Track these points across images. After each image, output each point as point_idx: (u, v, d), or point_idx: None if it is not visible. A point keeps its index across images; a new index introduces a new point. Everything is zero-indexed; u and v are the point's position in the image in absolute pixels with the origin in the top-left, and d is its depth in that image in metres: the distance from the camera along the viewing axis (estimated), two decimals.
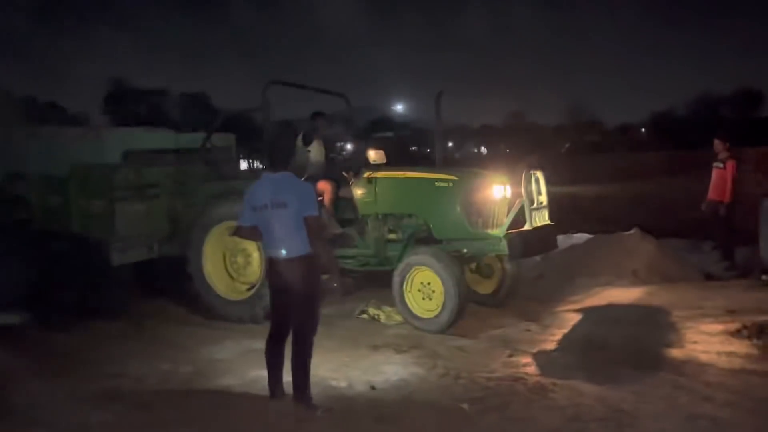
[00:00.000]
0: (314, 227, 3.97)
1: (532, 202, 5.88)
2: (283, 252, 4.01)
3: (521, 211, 5.82)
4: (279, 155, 4.09)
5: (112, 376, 4.96)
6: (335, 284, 4.26)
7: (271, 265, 4.09)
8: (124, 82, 45.94)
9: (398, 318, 6.20)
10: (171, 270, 7.12)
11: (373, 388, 4.50)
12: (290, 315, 4.13)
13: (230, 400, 4.26)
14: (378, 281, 6.85)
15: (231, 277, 6.72)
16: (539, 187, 6.06)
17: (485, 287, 6.77)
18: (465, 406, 4.11)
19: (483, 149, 57.44)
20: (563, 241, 8.90)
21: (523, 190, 5.78)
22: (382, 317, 6.35)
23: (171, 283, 7.22)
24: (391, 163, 6.67)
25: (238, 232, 4.21)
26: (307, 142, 6.61)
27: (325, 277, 4.29)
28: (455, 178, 6.01)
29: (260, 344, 4.22)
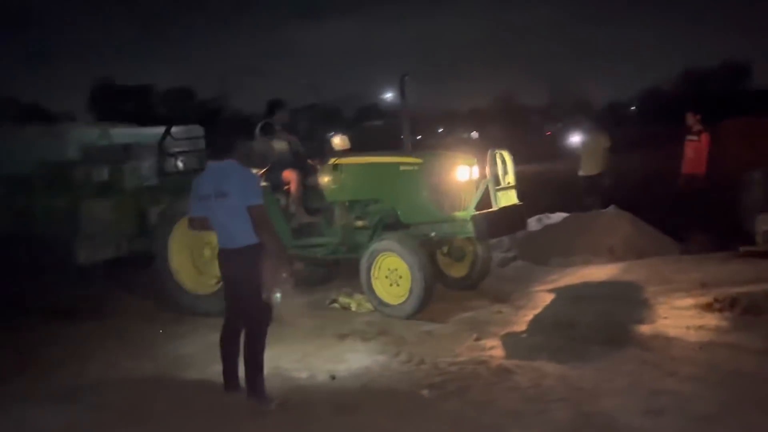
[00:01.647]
0: (259, 217, 3.86)
1: (497, 182, 5.78)
2: (229, 242, 3.92)
3: (487, 191, 5.72)
4: (222, 142, 3.98)
5: (73, 375, 4.86)
6: (285, 275, 4.16)
7: (221, 256, 4.01)
8: (108, 81, 45.57)
9: (369, 306, 6.10)
10: (140, 267, 7.03)
11: (333, 377, 4.41)
12: (242, 305, 4.04)
13: (186, 396, 4.14)
14: (350, 269, 6.76)
15: (198, 271, 6.61)
16: (506, 167, 5.95)
17: (457, 270, 6.68)
18: (425, 392, 4.03)
19: (474, 134, 57.29)
20: (540, 221, 8.86)
21: (487, 170, 5.68)
22: (353, 306, 6.26)
23: (141, 280, 7.13)
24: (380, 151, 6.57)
25: (190, 224, 4.12)
26: (266, 132, 6.47)
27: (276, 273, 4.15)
28: (420, 162, 5.90)
29: None
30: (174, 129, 7.03)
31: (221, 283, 6.34)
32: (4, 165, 7.19)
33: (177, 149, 7.04)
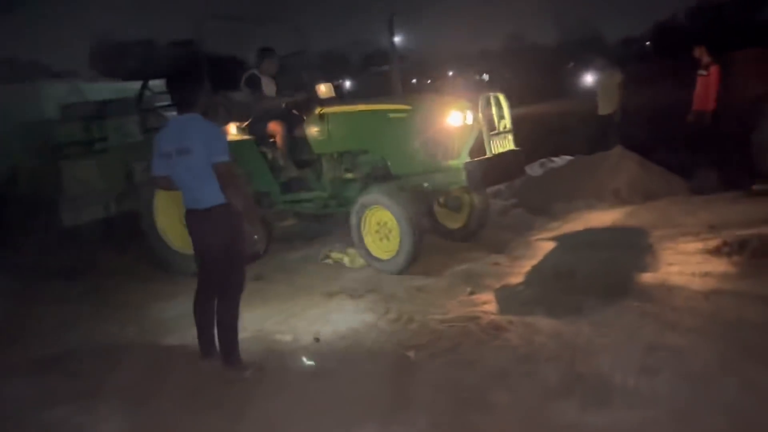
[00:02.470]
0: (225, 175, 3.61)
1: (492, 127, 5.44)
2: (194, 202, 3.69)
3: (481, 137, 5.40)
4: (184, 94, 3.68)
5: (54, 341, 4.73)
6: (256, 236, 3.92)
7: (188, 217, 3.77)
8: (109, 36, 44.81)
9: (362, 261, 5.89)
10: (130, 227, 6.83)
11: (317, 339, 4.23)
12: (215, 270, 3.83)
13: (163, 364, 4.00)
14: (345, 222, 6.53)
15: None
16: (501, 111, 5.60)
17: (454, 221, 6.42)
18: (411, 353, 3.84)
19: (485, 76, 56.00)
20: (543, 165, 8.53)
21: (480, 115, 5.33)
22: (346, 261, 6.05)
23: (132, 240, 6.94)
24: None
25: (154, 183, 3.87)
26: (251, 84, 6.13)
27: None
28: (409, 108, 5.55)
29: None
30: (154, 83, 6.73)
31: None
32: None
33: (159, 104, 6.74)
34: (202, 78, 3.77)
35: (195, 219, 3.71)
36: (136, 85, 6.67)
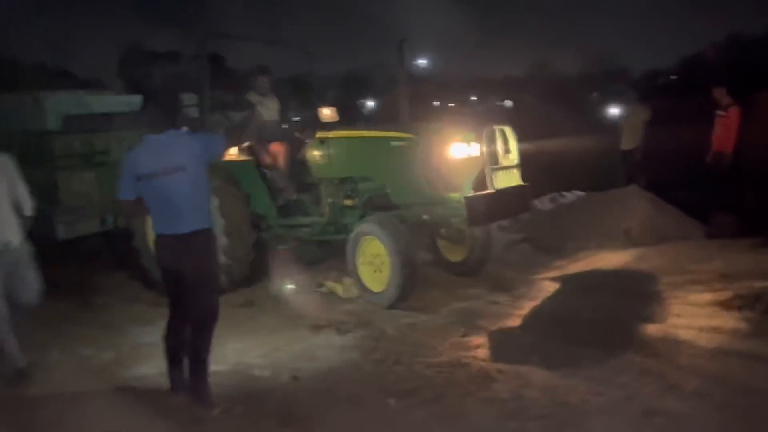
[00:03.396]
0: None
1: (495, 161, 5.23)
2: (184, 226, 3.48)
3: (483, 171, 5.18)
4: (160, 116, 3.51)
5: (27, 361, 4.54)
6: None
7: (166, 244, 3.55)
8: (137, 46, 45.49)
9: (356, 291, 5.67)
10: (125, 243, 6.68)
11: (296, 378, 4.00)
12: (190, 298, 3.64)
13: (128, 398, 3.79)
14: (344, 250, 6.33)
15: None
16: (507, 144, 5.38)
17: (456, 254, 6.19)
18: (391, 401, 3.58)
19: (508, 102, 55.91)
20: (553, 200, 8.27)
21: (484, 148, 5.12)
22: (340, 290, 5.82)
23: (126, 257, 6.79)
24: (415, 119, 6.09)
25: (122, 208, 3.68)
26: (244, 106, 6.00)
27: None
28: (412, 137, 5.36)
29: None
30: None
31: None
32: None
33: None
34: (176, 96, 3.60)
35: (173, 243, 3.51)
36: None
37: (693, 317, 4.57)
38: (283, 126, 6.34)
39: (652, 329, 4.40)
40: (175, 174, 3.41)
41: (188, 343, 3.58)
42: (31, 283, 4.17)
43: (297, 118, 8.10)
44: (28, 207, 4.22)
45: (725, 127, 7.24)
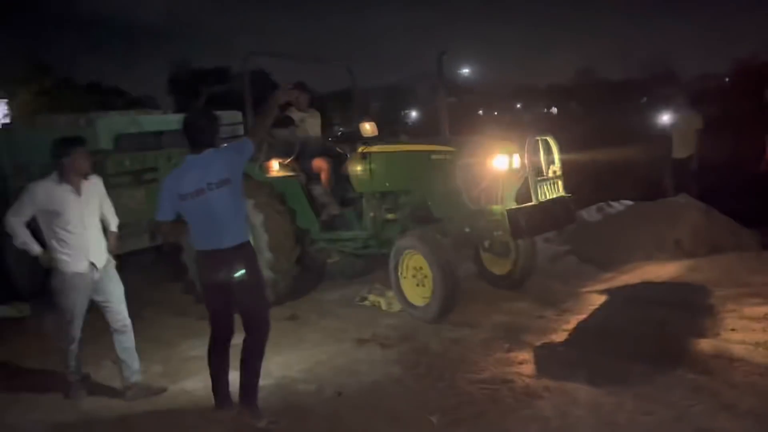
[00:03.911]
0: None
1: (539, 173, 5.16)
2: (227, 240, 3.53)
3: (527, 183, 5.12)
4: (200, 136, 3.56)
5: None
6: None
7: (210, 259, 3.58)
8: (186, 63, 46.75)
9: (399, 305, 5.66)
10: (174, 258, 6.84)
11: (339, 394, 4.01)
12: (233, 314, 3.70)
13: (175, 410, 3.88)
14: (387, 263, 6.34)
15: None
16: (551, 155, 5.31)
17: (500, 267, 6.11)
18: (434, 418, 3.56)
19: (554, 109, 55.24)
20: (601, 210, 8.09)
21: (526, 159, 5.06)
22: (383, 304, 5.83)
23: (175, 272, 6.94)
24: (458, 129, 6.10)
25: (159, 229, 3.75)
26: (285, 123, 6.09)
27: None
28: (453, 150, 5.35)
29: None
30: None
31: None
32: (37, 155, 7.17)
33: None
34: (211, 115, 3.68)
35: (222, 259, 3.54)
36: None
37: (748, 332, 4.40)
38: (327, 141, 6.40)
39: (704, 344, 4.25)
40: (222, 188, 3.46)
41: (243, 351, 3.62)
42: (115, 303, 4.32)
43: (341, 131, 8.18)
44: (114, 223, 4.49)
45: None
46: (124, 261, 6.91)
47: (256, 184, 5.93)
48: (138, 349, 5.12)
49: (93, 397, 4.30)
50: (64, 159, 4.06)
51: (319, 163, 6.19)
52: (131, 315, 6.10)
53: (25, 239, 4.07)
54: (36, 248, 4.10)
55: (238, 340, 3.73)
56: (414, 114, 49.50)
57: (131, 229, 6.81)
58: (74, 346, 4.23)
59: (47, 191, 4.04)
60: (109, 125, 6.99)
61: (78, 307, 4.17)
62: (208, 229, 3.55)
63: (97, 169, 6.55)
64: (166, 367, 4.78)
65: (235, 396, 3.68)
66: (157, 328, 5.77)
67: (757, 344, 4.16)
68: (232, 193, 3.50)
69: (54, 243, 4.07)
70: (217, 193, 3.46)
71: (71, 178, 4.10)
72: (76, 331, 4.21)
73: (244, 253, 3.60)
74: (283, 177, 6.16)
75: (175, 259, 6.58)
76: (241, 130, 7.84)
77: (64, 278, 4.10)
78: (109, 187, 6.55)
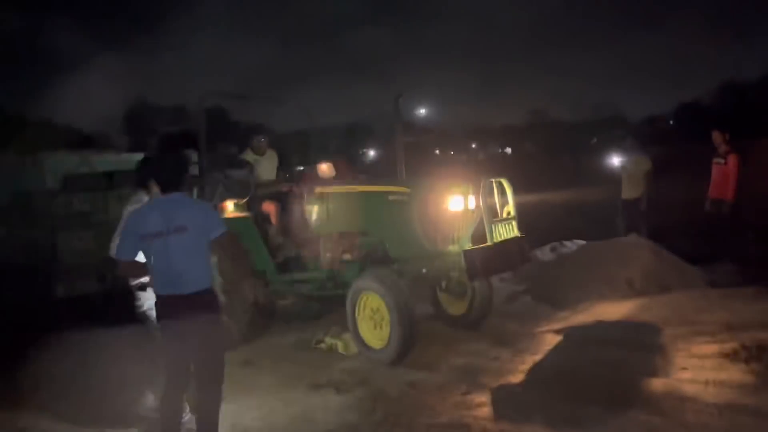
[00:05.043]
0: (226, 245, 3.47)
1: (494, 214, 5.23)
2: (184, 286, 3.44)
3: (482, 224, 5.17)
4: (168, 177, 3.54)
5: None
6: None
7: (168, 305, 3.49)
8: (141, 101, 46.26)
9: (356, 348, 5.59)
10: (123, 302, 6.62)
11: None
12: (189, 362, 3.58)
13: None
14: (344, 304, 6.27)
15: None
16: (505, 197, 5.39)
17: (457, 308, 6.12)
18: None
19: (508, 149, 56.50)
20: (555, 249, 8.24)
21: (481, 201, 5.13)
22: (340, 347, 5.75)
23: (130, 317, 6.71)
24: (416, 168, 6.11)
25: (119, 269, 3.64)
26: (240, 166, 6.08)
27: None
28: (408, 191, 5.38)
29: None
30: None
31: None
32: None
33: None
34: (187, 158, 3.65)
35: (175, 305, 3.45)
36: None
37: (699, 370, 4.48)
38: (282, 182, 6.37)
39: (656, 384, 4.31)
40: (179, 233, 3.41)
41: (199, 402, 3.50)
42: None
43: (301, 168, 8.17)
44: None
45: (723, 175, 7.25)
46: (73, 305, 6.74)
47: None
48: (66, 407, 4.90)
49: None
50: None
51: (268, 206, 6.15)
52: (80, 362, 5.90)
53: None
54: None
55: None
56: (372, 153, 49.96)
57: (78, 273, 6.62)
58: None
59: None
60: (58, 165, 6.83)
61: None
62: (168, 273, 3.46)
63: (43, 210, 6.44)
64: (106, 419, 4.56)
65: None
66: (101, 375, 5.52)
67: (707, 383, 4.23)
68: (191, 241, 3.44)
69: None
70: (177, 237, 3.41)
71: None
72: None
73: (206, 299, 3.51)
74: (237, 218, 6.09)
75: (126, 304, 6.37)
76: (195, 169, 7.75)
77: None
78: (56, 229, 6.47)
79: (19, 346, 6.08)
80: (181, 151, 4.31)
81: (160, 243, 3.41)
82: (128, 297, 6.36)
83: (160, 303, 3.55)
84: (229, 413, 4.36)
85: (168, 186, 3.57)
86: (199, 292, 3.47)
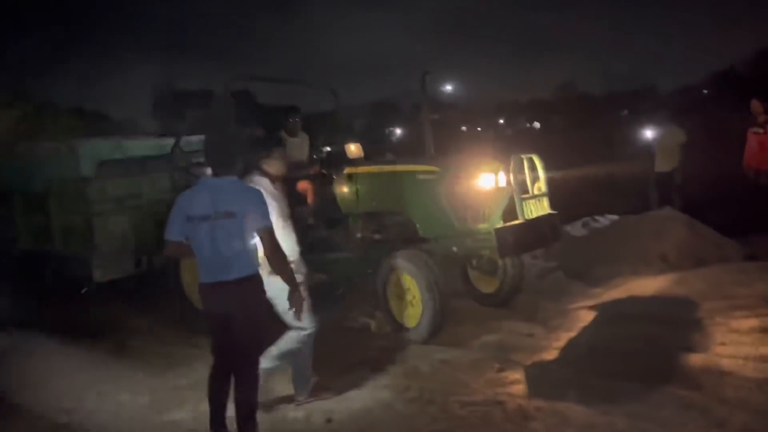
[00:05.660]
0: (271, 241, 3.42)
1: (524, 191, 5.17)
2: (225, 273, 3.42)
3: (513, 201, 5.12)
4: (222, 156, 3.47)
5: (65, 410, 4.58)
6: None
7: (211, 291, 3.48)
8: (170, 86, 46.58)
9: (389, 326, 5.62)
10: (160, 284, 6.76)
11: (329, 420, 3.97)
12: (237, 345, 3.60)
13: None
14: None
15: None
16: (535, 173, 5.33)
17: (488, 285, 6.11)
18: None
19: (536, 124, 55.73)
20: (586, 225, 8.13)
21: (511, 177, 5.07)
22: (373, 326, 5.80)
23: (160, 298, 6.86)
24: (443, 145, 6.07)
25: (166, 249, 3.63)
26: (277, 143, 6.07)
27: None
28: (438, 170, 5.34)
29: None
30: (189, 139, 6.77)
31: None
32: (19, 183, 7.12)
33: (194, 160, 6.72)
34: (242, 139, 3.59)
35: (223, 291, 3.43)
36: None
37: (737, 345, 4.41)
38: (312, 162, 6.38)
39: (694, 360, 4.26)
40: (228, 218, 3.36)
41: (236, 388, 3.55)
42: None
43: (327, 149, 8.16)
44: None
45: (762, 145, 7.05)
46: (108, 288, 6.89)
47: None
48: (125, 379, 5.06)
49: None
50: None
51: (304, 186, 6.16)
52: (118, 344, 6.07)
53: None
54: None
55: None
56: (399, 131, 49.71)
57: (115, 257, 6.74)
58: None
59: None
60: (91, 152, 6.93)
61: None
62: (212, 258, 3.42)
63: (78, 197, 6.56)
64: (153, 398, 4.68)
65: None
66: (143, 357, 5.67)
67: (746, 358, 4.17)
68: (238, 228, 3.38)
69: None
70: (221, 222, 3.37)
71: None
72: None
73: (251, 286, 3.50)
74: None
75: (162, 287, 6.49)
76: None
77: None
78: (92, 214, 6.59)
79: None
80: (235, 127, 4.20)
81: (207, 227, 3.38)
82: (162, 279, 6.54)
83: (206, 290, 3.51)
84: (264, 393, 4.43)
85: (218, 167, 3.48)
86: (242, 279, 3.44)
